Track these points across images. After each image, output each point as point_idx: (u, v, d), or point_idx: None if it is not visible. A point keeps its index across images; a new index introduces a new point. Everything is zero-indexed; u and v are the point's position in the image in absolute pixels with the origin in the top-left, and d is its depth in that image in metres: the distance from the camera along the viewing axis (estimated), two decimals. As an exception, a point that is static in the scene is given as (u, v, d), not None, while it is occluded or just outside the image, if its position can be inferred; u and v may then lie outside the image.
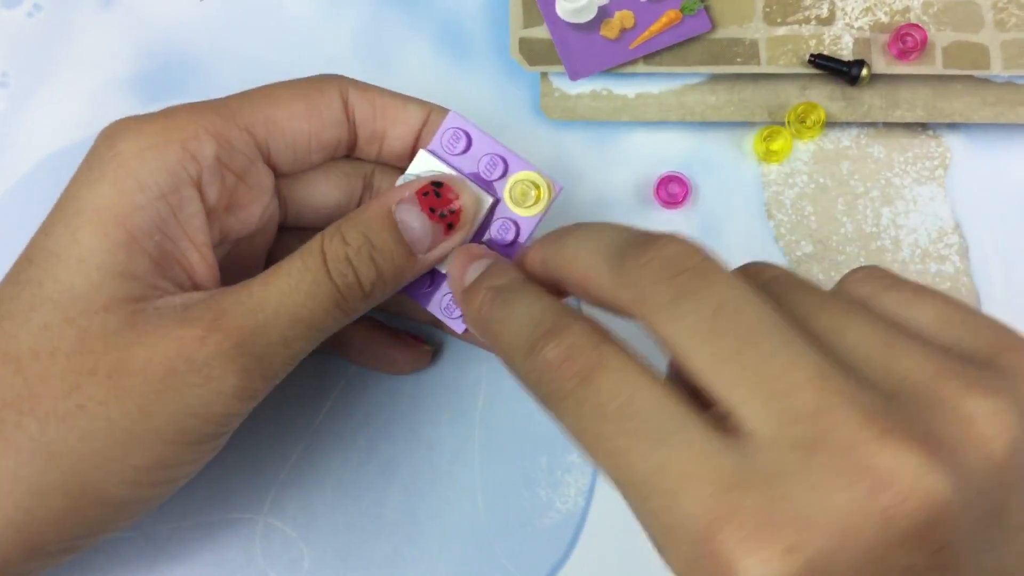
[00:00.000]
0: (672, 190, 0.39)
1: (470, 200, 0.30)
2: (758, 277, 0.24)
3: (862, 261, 0.39)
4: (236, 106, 0.30)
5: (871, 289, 0.24)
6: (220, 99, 0.31)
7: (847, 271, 0.25)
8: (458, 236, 0.30)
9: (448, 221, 0.30)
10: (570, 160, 0.40)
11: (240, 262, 0.33)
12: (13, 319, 0.28)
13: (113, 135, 0.29)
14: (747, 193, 0.39)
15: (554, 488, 0.37)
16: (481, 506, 0.37)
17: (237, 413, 0.29)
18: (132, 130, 0.29)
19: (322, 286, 0.28)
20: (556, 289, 0.27)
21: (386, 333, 0.37)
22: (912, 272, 0.39)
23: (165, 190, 0.28)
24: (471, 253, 0.29)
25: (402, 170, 0.32)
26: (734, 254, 0.38)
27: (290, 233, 0.34)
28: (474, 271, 0.28)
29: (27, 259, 0.29)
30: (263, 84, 0.32)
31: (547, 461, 0.37)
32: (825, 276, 0.39)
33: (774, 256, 0.39)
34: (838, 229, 0.39)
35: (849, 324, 0.22)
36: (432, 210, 0.29)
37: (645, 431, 0.21)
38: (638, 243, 0.23)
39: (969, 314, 0.23)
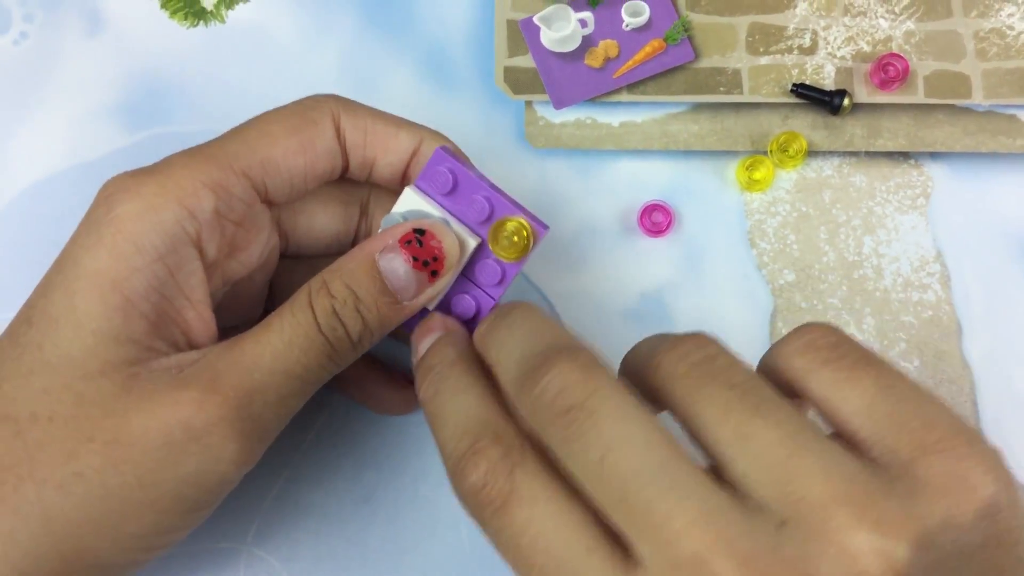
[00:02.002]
0: (656, 218, 0.39)
1: (453, 246, 0.30)
2: (683, 360, 0.24)
3: (844, 290, 0.39)
4: (232, 150, 0.30)
5: (806, 363, 0.24)
6: (215, 142, 0.31)
7: (799, 326, 0.25)
8: (442, 282, 0.30)
9: (432, 269, 0.30)
10: (554, 188, 0.40)
11: (241, 296, 0.33)
12: (12, 381, 0.28)
13: (111, 196, 0.29)
14: (730, 221, 0.40)
15: (538, 517, 0.37)
16: (465, 537, 0.37)
17: (232, 480, 0.29)
18: (130, 191, 0.29)
19: (314, 341, 0.29)
20: None
21: (382, 372, 0.37)
22: (894, 301, 0.39)
23: (163, 252, 0.28)
24: (426, 327, 0.30)
25: (397, 193, 0.32)
26: (717, 282, 0.39)
27: (292, 261, 0.35)
28: (425, 346, 0.29)
29: (26, 321, 0.29)
30: (252, 115, 0.32)
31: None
32: (807, 304, 0.39)
33: (756, 284, 0.39)
34: (820, 258, 0.39)
35: (753, 433, 0.22)
36: (415, 259, 0.29)
37: (551, 566, 0.22)
38: (530, 371, 0.24)
39: (901, 402, 0.23)
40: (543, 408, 0.23)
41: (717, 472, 0.23)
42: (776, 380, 0.25)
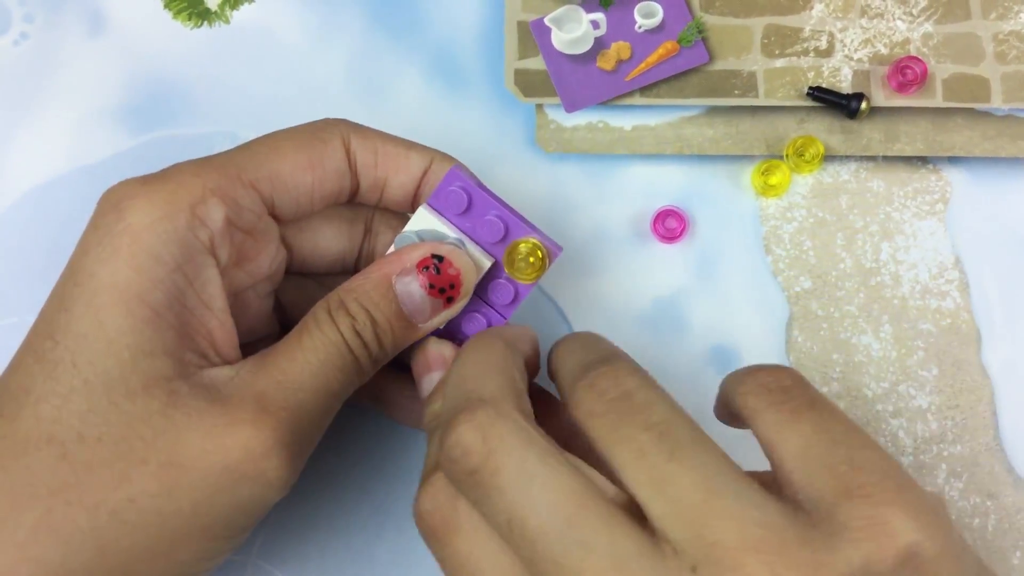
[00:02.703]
0: (670, 224, 0.38)
1: (469, 271, 0.30)
2: (601, 398, 0.24)
3: (861, 297, 0.38)
4: (241, 162, 0.30)
5: (755, 403, 0.24)
6: (224, 154, 0.30)
7: (755, 365, 0.26)
8: (457, 307, 0.30)
9: (448, 296, 0.30)
10: (565, 193, 0.39)
11: (247, 309, 0.33)
12: (51, 401, 0.27)
13: (120, 204, 0.28)
14: (745, 227, 0.39)
15: (549, 529, 0.36)
16: (475, 548, 0.36)
17: (274, 503, 0.28)
18: (139, 198, 0.28)
19: (346, 358, 0.29)
20: None
21: (411, 385, 0.36)
22: (912, 308, 0.38)
23: (180, 261, 0.28)
24: (427, 362, 0.31)
25: (402, 216, 0.32)
26: (732, 289, 0.38)
27: (299, 278, 0.34)
28: (427, 385, 0.30)
29: (48, 336, 0.27)
30: (257, 118, 0.32)
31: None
32: (824, 311, 0.38)
33: (772, 291, 0.38)
34: (837, 264, 0.39)
35: (668, 477, 0.22)
36: (431, 285, 0.29)
37: None
38: (444, 429, 0.24)
39: (833, 446, 0.23)
40: (455, 473, 0.24)
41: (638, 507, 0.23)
42: (731, 410, 0.26)
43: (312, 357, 0.28)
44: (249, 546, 0.36)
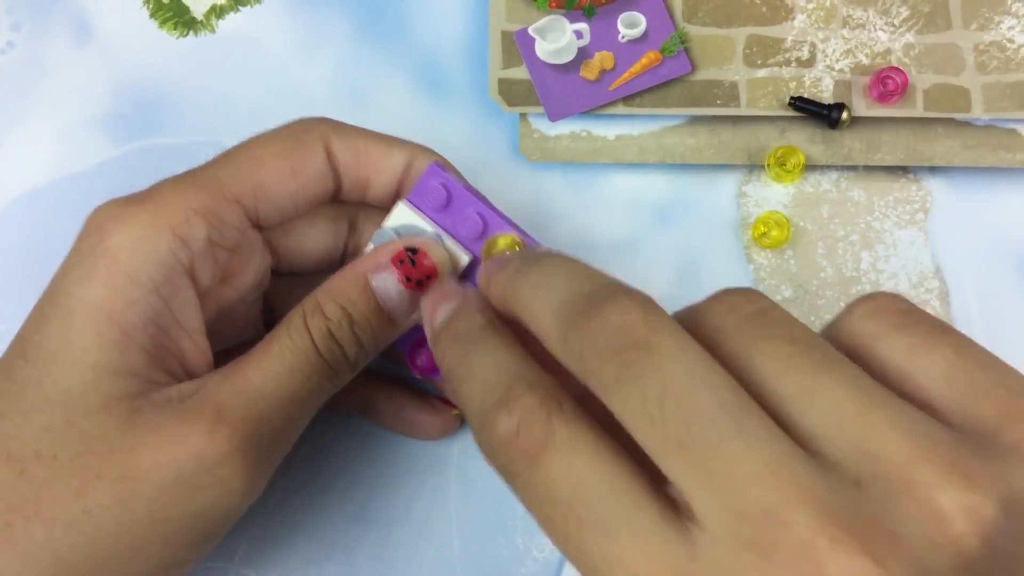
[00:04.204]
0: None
1: (445, 264, 0.30)
2: (733, 312, 0.22)
3: (842, 306, 0.38)
4: (224, 177, 0.30)
5: (877, 328, 0.22)
6: (207, 169, 0.30)
7: (856, 299, 0.23)
8: None
9: (425, 287, 0.29)
10: (549, 202, 0.39)
11: (235, 318, 0.33)
12: (13, 419, 0.27)
13: (102, 225, 0.28)
14: (726, 236, 0.39)
15: (531, 536, 0.37)
16: (457, 555, 0.36)
17: (240, 510, 0.29)
18: (121, 220, 0.28)
19: (315, 364, 0.28)
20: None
21: (415, 398, 0.36)
22: (892, 317, 0.38)
23: (158, 283, 0.28)
24: (442, 292, 0.28)
25: (386, 211, 0.32)
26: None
27: (287, 278, 0.34)
28: (442, 313, 0.27)
29: (21, 355, 0.28)
30: (242, 127, 0.32)
31: (524, 509, 0.37)
32: (805, 320, 0.38)
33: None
34: (818, 273, 0.39)
35: (820, 388, 0.20)
36: (408, 278, 0.29)
37: (593, 520, 0.20)
38: (583, 308, 0.22)
39: (983, 371, 0.21)
40: (597, 347, 0.21)
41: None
42: (838, 343, 0.23)
43: (277, 365, 0.28)
44: (232, 553, 0.36)
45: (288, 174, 0.30)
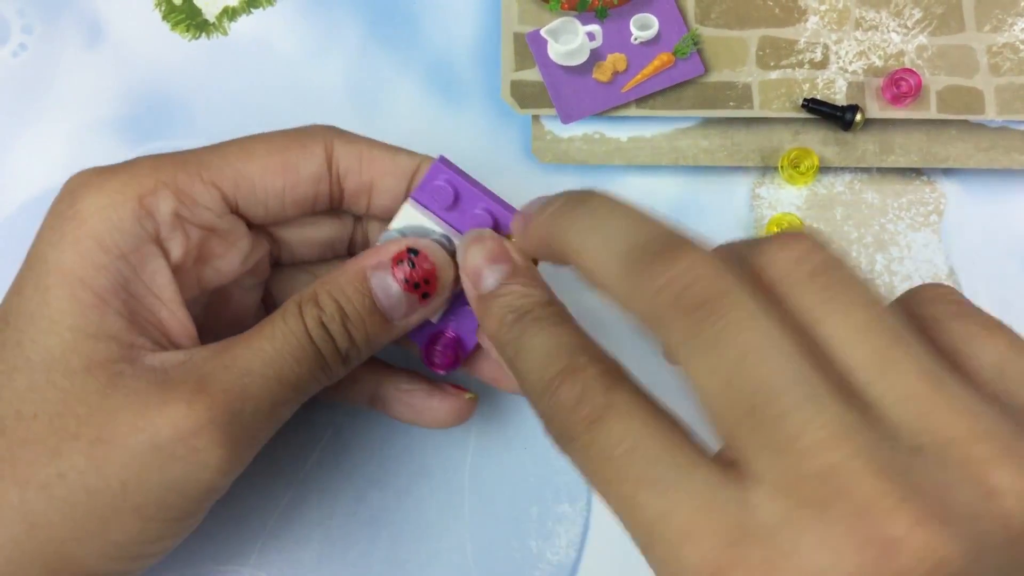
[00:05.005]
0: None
1: (445, 267, 0.30)
2: (799, 266, 0.22)
3: (856, 308, 0.38)
4: (205, 159, 0.30)
5: (938, 312, 0.23)
6: (189, 151, 0.30)
7: (914, 287, 0.24)
8: (435, 303, 0.30)
9: (423, 291, 0.29)
10: (562, 204, 0.39)
11: (234, 304, 0.33)
12: None
13: (74, 191, 0.29)
14: (740, 238, 0.39)
15: (545, 539, 0.36)
16: (471, 558, 0.36)
17: (219, 488, 0.28)
18: (93, 186, 0.28)
19: (307, 350, 0.28)
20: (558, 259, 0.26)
21: (424, 384, 0.35)
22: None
23: (125, 249, 0.28)
24: (488, 251, 0.28)
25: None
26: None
27: (291, 268, 0.34)
28: (492, 278, 0.27)
29: (2, 319, 0.28)
30: (254, 130, 0.32)
31: (537, 511, 0.37)
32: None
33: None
34: (832, 275, 0.39)
35: (892, 360, 0.20)
36: (406, 280, 0.29)
37: (650, 478, 0.21)
38: (653, 254, 0.22)
39: None
40: (667, 299, 0.21)
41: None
42: None
43: (268, 345, 0.28)
44: (246, 556, 0.36)
45: (277, 170, 0.30)
